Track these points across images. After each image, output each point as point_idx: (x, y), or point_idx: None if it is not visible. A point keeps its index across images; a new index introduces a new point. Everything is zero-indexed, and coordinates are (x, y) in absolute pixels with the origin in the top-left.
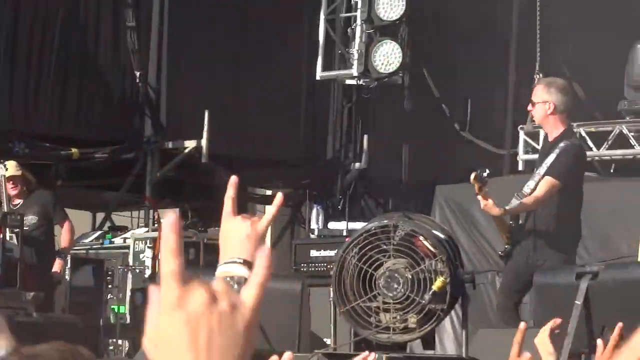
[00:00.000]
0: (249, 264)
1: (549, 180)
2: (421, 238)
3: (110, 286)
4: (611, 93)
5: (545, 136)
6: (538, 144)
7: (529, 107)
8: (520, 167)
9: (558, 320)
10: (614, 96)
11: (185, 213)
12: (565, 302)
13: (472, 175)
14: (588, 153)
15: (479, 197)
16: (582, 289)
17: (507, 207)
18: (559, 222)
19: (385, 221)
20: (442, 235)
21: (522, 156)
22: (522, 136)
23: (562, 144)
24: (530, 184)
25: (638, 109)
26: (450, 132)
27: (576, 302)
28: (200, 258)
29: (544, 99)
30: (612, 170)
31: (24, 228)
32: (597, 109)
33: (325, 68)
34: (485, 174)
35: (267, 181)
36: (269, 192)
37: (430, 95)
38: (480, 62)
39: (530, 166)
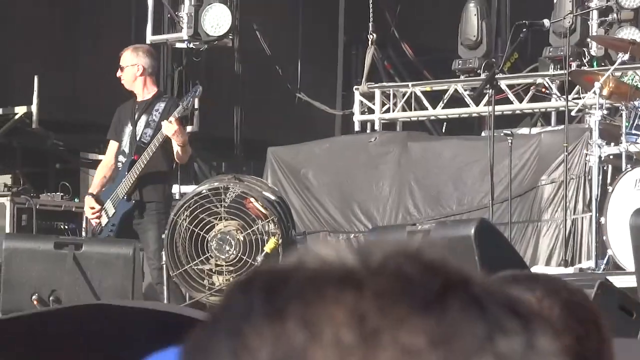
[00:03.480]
0: None
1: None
2: (252, 200)
3: None
4: (445, 52)
5: (133, 101)
6: (374, 104)
7: (119, 73)
8: (356, 127)
9: None
10: (449, 55)
11: (17, 179)
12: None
13: None
14: (425, 113)
15: None
16: None
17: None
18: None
19: (216, 183)
20: (272, 197)
21: (358, 117)
22: (357, 97)
23: (165, 100)
24: (149, 132)
25: (471, 67)
26: (282, 93)
27: None
28: (32, 224)
29: (132, 62)
30: (443, 130)
31: None
32: (431, 69)
33: (154, 32)
34: None
35: (98, 146)
36: (101, 157)
37: (263, 57)
38: (314, 22)
39: (365, 127)
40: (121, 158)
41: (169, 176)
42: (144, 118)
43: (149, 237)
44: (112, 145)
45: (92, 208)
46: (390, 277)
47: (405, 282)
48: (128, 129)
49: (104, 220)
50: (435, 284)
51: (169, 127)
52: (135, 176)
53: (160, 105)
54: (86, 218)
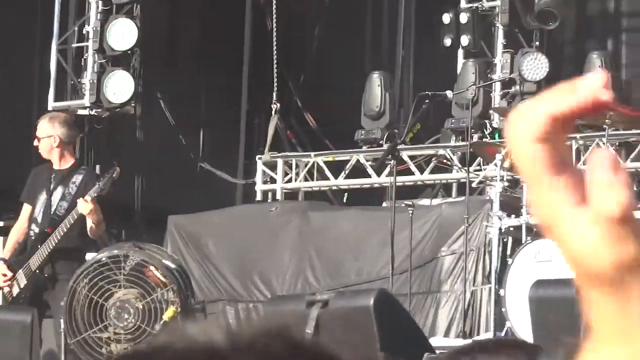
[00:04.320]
0: None
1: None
2: (152, 268)
3: None
4: (348, 122)
5: (49, 167)
6: (276, 174)
7: (35, 142)
8: (258, 197)
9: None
10: (352, 125)
11: None
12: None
13: None
14: (326, 183)
15: None
16: (312, 318)
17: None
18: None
19: (116, 251)
20: (172, 265)
21: (260, 186)
22: (259, 166)
23: (82, 173)
24: (64, 205)
25: (374, 138)
26: (185, 161)
27: (307, 330)
28: None
29: (48, 134)
30: (345, 200)
31: None
32: (334, 139)
33: (57, 98)
34: None
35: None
36: (0, 224)
37: (166, 125)
38: (217, 92)
39: (267, 196)
40: (34, 227)
41: (82, 251)
42: (60, 189)
43: (60, 308)
44: (26, 209)
45: (4, 275)
46: (257, 357)
47: None
48: (43, 197)
49: (15, 290)
50: None
51: (85, 206)
52: (49, 251)
53: (78, 178)
54: None
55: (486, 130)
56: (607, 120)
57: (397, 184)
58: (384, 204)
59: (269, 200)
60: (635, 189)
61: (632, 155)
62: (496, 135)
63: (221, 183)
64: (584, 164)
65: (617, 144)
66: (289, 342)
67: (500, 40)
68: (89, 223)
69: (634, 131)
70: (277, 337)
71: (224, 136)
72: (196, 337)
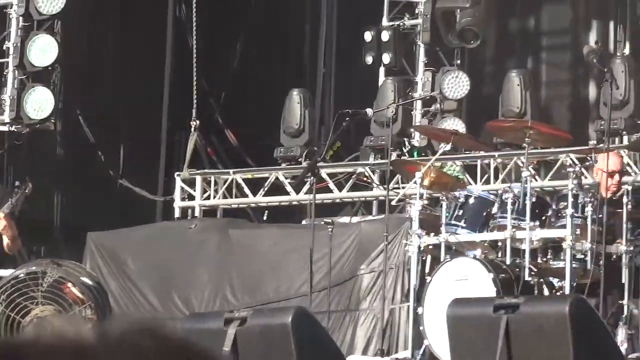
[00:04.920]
0: None
1: None
2: (70, 285)
3: None
4: (269, 140)
5: None
6: (194, 191)
7: None
8: (176, 214)
9: None
10: (272, 143)
11: None
12: (214, 348)
13: None
14: (245, 200)
15: None
16: (229, 335)
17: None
18: None
19: (34, 268)
20: (90, 282)
21: (178, 203)
22: (178, 183)
23: None
24: None
25: (293, 155)
26: (104, 178)
27: (224, 348)
28: None
29: None
30: (264, 218)
31: None
32: (254, 156)
33: None
34: None
35: None
36: None
37: (85, 142)
38: (138, 108)
39: (186, 213)
40: None
41: None
42: None
43: None
44: None
45: None
46: (127, 353)
47: (141, 357)
48: None
49: None
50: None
51: None
52: None
53: None
54: None
55: (405, 148)
56: (526, 139)
57: (317, 201)
58: (304, 222)
59: (189, 218)
60: (554, 207)
61: (550, 174)
62: (415, 153)
63: (140, 200)
64: (502, 182)
65: (535, 162)
66: (158, 336)
67: (421, 58)
68: (5, 239)
69: (552, 149)
70: (146, 332)
71: (144, 153)
72: (65, 333)
